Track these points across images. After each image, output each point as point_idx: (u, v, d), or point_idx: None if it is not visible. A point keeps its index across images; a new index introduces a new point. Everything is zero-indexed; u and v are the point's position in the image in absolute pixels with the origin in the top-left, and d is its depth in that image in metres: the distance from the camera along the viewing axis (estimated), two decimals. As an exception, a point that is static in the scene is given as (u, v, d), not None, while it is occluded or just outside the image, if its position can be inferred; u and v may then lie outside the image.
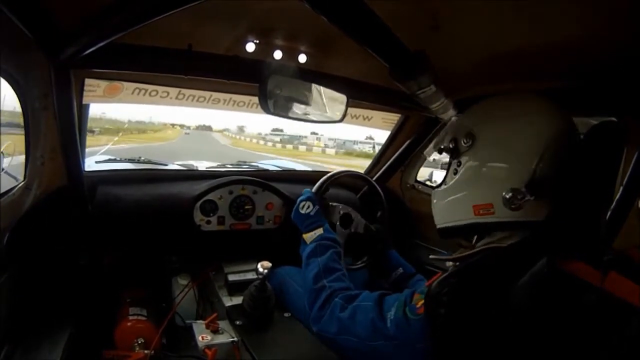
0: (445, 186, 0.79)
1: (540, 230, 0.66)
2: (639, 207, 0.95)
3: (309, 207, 1.07)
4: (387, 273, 1.24)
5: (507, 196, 0.65)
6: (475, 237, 0.77)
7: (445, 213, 0.78)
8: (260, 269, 1.12)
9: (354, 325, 0.75)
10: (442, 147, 0.81)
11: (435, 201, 0.82)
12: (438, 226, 0.81)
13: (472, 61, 0.97)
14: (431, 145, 0.87)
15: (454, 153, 0.77)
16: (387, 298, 0.76)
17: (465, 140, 0.74)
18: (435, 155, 0.92)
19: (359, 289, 1.26)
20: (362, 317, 0.75)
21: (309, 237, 1.01)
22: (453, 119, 0.91)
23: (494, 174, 0.70)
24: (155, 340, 1.14)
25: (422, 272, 1.22)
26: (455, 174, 0.77)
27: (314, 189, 1.19)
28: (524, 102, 0.72)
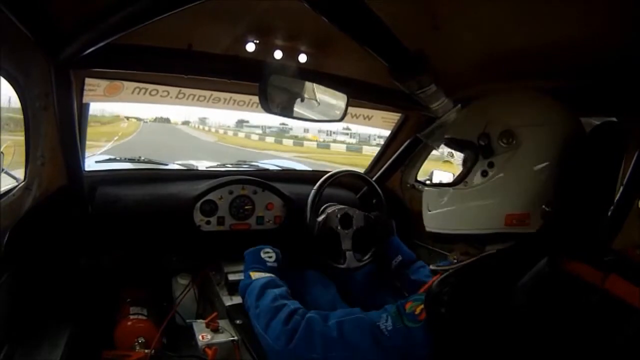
0: (469, 188, 0.70)
1: (542, 230, 0.66)
2: (639, 207, 0.95)
3: (270, 257, 1.02)
4: (388, 261, 1.23)
5: (547, 209, 0.62)
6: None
7: (466, 219, 0.69)
8: None
9: (345, 339, 0.66)
10: (468, 140, 0.70)
11: (446, 200, 0.72)
12: (446, 231, 0.73)
13: (472, 61, 0.97)
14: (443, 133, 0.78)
15: (485, 151, 0.68)
16: (368, 313, 0.70)
17: (504, 140, 0.66)
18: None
19: (365, 287, 1.26)
20: (354, 329, 0.67)
21: (257, 275, 0.93)
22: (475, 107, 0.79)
23: (537, 182, 0.64)
24: (155, 340, 1.15)
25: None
26: (484, 175, 0.68)
27: (310, 199, 1.18)
28: (556, 107, 0.70)
